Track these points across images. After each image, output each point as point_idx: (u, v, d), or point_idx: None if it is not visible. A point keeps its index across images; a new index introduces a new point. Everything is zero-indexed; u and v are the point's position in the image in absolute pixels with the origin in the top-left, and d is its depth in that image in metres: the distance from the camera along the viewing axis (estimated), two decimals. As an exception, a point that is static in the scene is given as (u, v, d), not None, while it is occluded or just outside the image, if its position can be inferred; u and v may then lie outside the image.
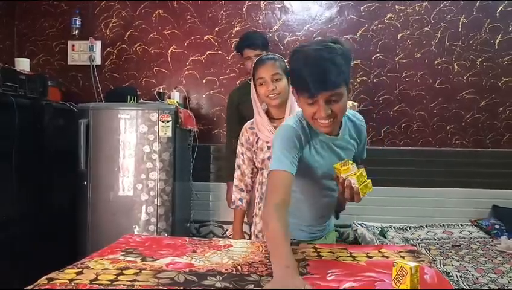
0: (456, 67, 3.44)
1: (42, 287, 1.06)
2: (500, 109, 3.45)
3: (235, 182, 2.08)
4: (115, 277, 1.13)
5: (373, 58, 3.46)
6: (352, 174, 1.37)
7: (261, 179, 2.01)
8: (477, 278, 2.37)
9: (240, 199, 2.06)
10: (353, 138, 1.60)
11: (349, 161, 1.41)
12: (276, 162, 1.40)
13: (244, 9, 3.50)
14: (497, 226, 3.12)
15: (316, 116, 1.40)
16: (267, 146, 1.92)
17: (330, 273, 1.19)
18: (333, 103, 1.36)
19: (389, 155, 3.42)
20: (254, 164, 2.03)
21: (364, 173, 1.38)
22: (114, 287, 1.07)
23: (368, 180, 1.38)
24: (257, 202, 2.05)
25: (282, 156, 1.40)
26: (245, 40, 2.89)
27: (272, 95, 1.88)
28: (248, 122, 2.07)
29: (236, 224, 2.10)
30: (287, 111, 1.92)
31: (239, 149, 2.06)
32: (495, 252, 2.75)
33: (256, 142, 1.98)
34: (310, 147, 1.51)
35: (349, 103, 1.86)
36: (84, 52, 3.52)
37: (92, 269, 1.18)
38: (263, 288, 1.07)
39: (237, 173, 2.08)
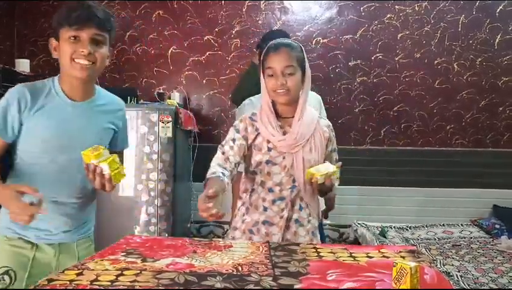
0: (455, 67, 3.45)
1: (42, 288, 1.06)
2: (500, 108, 3.45)
3: (216, 161, 1.66)
4: (115, 277, 1.13)
5: (373, 58, 3.46)
6: (104, 160, 1.29)
7: (250, 185, 1.68)
8: (477, 278, 2.37)
9: (222, 173, 1.58)
10: (109, 120, 1.56)
11: (101, 147, 1.33)
12: None
13: (244, 10, 3.50)
14: (497, 226, 3.13)
15: (76, 55, 1.39)
16: (267, 147, 1.63)
17: (330, 274, 1.19)
18: (96, 45, 1.41)
19: (389, 155, 3.43)
20: (243, 151, 1.66)
21: (117, 160, 1.32)
22: (114, 288, 1.07)
23: (122, 167, 1.32)
24: (242, 213, 1.71)
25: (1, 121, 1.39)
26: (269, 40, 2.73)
27: (280, 91, 1.59)
28: (249, 112, 1.74)
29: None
30: (298, 111, 1.64)
31: (231, 135, 1.68)
32: (495, 252, 2.76)
33: (255, 139, 1.66)
34: (39, 109, 1.42)
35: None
36: (84, 53, 3.51)
37: (92, 270, 1.18)
38: None
39: (219, 157, 1.66)
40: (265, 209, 1.65)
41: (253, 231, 1.66)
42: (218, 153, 1.69)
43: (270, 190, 1.64)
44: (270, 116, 1.64)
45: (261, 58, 1.67)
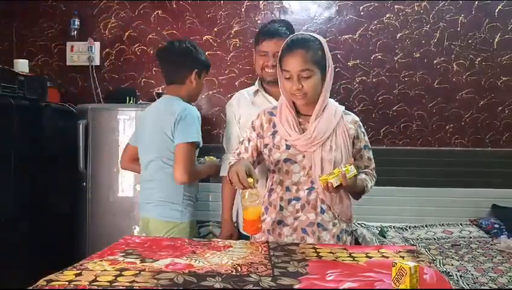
0: (455, 66, 3.44)
1: (41, 289, 1.05)
2: (500, 108, 3.45)
3: (225, 163, 1.77)
4: (114, 278, 1.13)
5: (372, 58, 3.46)
6: None
7: (270, 184, 1.66)
8: (477, 278, 2.37)
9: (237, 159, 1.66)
10: None
11: None
12: None
13: (243, 10, 3.50)
14: (496, 226, 3.12)
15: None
16: (286, 144, 1.59)
17: (330, 274, 1.19)
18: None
19: (389, 155, 3.42)
20: (258, 154, 1.67)
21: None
22: (113, 289, 1.07)
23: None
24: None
25: None
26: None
27: (297, 94, 1.54)
28: (270, 105, 1.72)
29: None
30: (316, 110, 1.57)
31: (248, 133, 1.68)
32: (495, 252, 2.75)
33: (273, 136, 1.62)
34: None
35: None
36: (83, 53, 3.51)
37: (91, 270, 1.18)
38: None
39: (234, 157, 1.69)
40: (281, 208, 1.61)
41: (271, 231, 1.63)
42: (232, 155, 1.72)
43: (287, 189, 1.60)
44: (289, 115, 1.59)
45: (279, 57, 1.58)
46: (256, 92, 2.05)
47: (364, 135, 1.68)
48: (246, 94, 2.08)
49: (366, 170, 1.70)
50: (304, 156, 1.57)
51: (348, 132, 1.61)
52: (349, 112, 1.68)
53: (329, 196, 1.56)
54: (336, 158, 1.55)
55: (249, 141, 1.66)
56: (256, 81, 2.07)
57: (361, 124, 1.68)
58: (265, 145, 1.63)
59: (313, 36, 1.58)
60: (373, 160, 1.73)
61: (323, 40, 1.58)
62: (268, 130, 1.63)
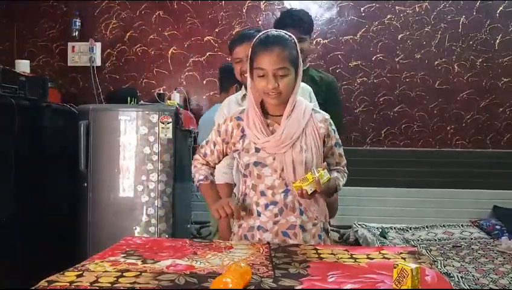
0: (456, 67, 3.44)
1: (43, 289, 1.05)
2: (500, 109, 3.45)
3: (195, 163, 1.70)
4: (116, 279, 1.13)
5: (373, 59, 3.46)
6: None
7: (243, 188, 1.61)
8: (478, 279, 2.37)
9: (206, 177, 1.66)
10: None
11: None
12: None
13: (244, 10, 3.50)
14: (497, 227, 3.12)
15: None
16: (255, 148, 1.53)
17: (331, 275, 1.19)
18: None
19: (390, 156, 3.42)
20: (223, 155, 1.67)
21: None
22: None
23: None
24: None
25: None
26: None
27: (271, 93, 1.46)
28: (238, 110, 1.65)
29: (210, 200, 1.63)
30: (288, 109, 1.52)
31: (213, 136, 1.64)
32: (496, 253, 2.75)
33: (241, 139, 1.57)
34: None
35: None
36: (84, 54, 3.51)
37: (93, 271, 1.18)
38: None
39: (200, 159, 1.69)
40: (259, 214, 1.55)
41: (248, 236, 1.58)
42: (199, 155, 1.69)
43: (262, 194, 1.54)
44: (256, 118, 1.53)
45: (250, 52, 1.51)
46: (244, 96, 2.00)
47: (334, 132, 1.62)
48: (235, 99, 2.05)
49: (337, 167, 1.65)
50: (274, 159, 1.51)
51: (318, 131, 1.55)
52: (319, 110, 1.63)
53: (304, 199, 1.51)
54: (307, 159, 1.50)
55: (214, 144, 1.64)
56: (243, 86, 2.04)
57: (331, 121, 1.62)
58: (235, 150, 1.60)
59: (287, 34, 1.53)
60: (344, 156, 1.67)
61: (295, 38, 1.53)
62: (237, 135, 1.58)
